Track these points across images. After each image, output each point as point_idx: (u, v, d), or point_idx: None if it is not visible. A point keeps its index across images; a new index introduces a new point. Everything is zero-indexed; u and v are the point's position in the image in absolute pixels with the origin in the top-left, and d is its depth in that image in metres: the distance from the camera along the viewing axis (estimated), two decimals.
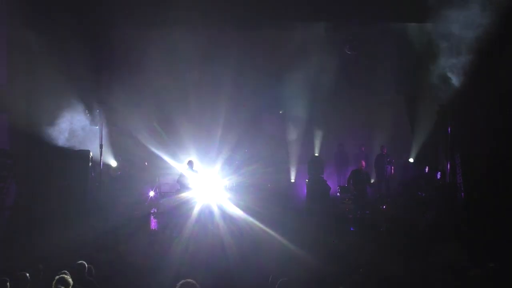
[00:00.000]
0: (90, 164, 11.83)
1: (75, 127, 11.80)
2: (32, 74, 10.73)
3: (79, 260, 6.68)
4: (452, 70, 11.22)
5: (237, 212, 11.70)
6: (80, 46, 12.17)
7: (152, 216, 12.23)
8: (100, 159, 12.12)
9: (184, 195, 11.93)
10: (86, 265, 6.53)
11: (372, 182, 13.60)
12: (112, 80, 13.66)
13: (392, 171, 14.03)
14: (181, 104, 14.22)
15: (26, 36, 10.65)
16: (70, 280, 5.63)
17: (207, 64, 13.98)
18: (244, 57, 14.04)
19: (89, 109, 12.32)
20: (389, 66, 13.65)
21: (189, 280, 5.05)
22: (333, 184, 14.19)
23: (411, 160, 13.57)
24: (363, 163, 12.60)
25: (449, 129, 11.56)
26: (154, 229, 10.67)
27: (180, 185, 12.15)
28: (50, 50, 10.81)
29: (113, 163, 13.56)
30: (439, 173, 12.56)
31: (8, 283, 5.65)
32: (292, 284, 5.97)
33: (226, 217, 11.57)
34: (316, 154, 14.75)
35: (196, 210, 11.29)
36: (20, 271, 5.97)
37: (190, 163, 12.53)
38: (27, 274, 5.86)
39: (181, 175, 12.30)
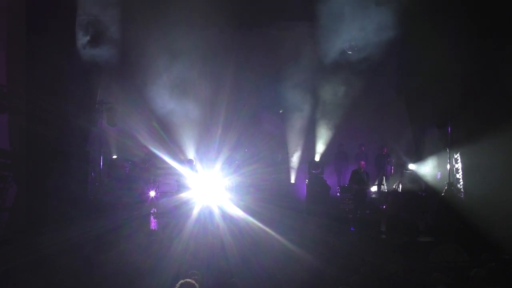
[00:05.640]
0: (90, 164, 11.83)
1: None
2: (32, 74, 10.71)
3: (79, 261, 6.66)
4: None
5: (237, 212, 11.70)
6: (80, 45, 12.23)
7: (152, 216, 12.24)
8: (100, 159, 12.12)
9: (184, 195, 11.93)
10: None
11: (371, 188, 13.58)
12: (112, 80, 13.68)
13: (392, 171, 14.05)
14: (181, 104, 14.23)
15: (26, 35, 10.65)
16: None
17: (207, 64, 14.01)
18: (244, 57, 14.07)
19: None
20: (389, 66, 13.65)
21: (188, 280, 5.05)
22: (333, 184, 14.19)
23: (411, 166, 13.52)
24: (362, 163, 12.59)
25: (449, 129, 11.55)
26: (154, 229, 10.65)
27: (180, 185, 12.13)
28: (50, 49, 10.81)
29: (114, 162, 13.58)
30: (439, 173, 12.56)
31: None
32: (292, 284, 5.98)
33: (226, 217, 11.58)
34: (316, 155, 14.75)
35: (196, 210, 11.27)
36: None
37: (189, 162, 12.49)
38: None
39: (181, 175, 12.28)
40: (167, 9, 12.42)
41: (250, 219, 10.67)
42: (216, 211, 12.00)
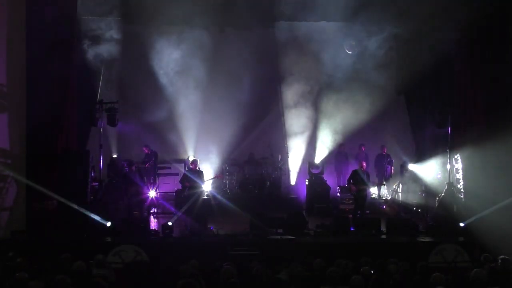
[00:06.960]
0: (90, 164, 11.78)
1: None
2: (32, 74, 10.71)
3: (79, 260, 6.66)
4: None
5: (237, 211, 11.70)
6: (81, 45, 12.24)
7: (152, 216, 12.25)
8: (100, 159, 12.11)
9: (185, 194, 11.91)
10: None
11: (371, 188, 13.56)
12: (112, 80, 13.69)
13: (392, 171, 14.05)
14: (181, 103, 14.25)
15: (26, 35, 10.66)
16: None
17: (207, 64, 14.02)
18: (244, 57, 14.08)
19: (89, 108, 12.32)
20: (389, 66, 13.64)
21: (189, 280, 5.06)
22: (333, 184, 14.19)
23: (411, 166, 13.50)
24: (363, 163, 12.58)
25: (449, 129, 11.55)
26: (154, 229, 10.65)
27: (183, 185, 12.11)
28: (50, 49, 10.83)
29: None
30: (439, 173, 12.56)
31: None
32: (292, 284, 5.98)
33: (226, 215, 11.60)
34: (316, 155, 14.74)
35: (196, 210, 11.25)
36: None
37: (194, 162, 12.49)
38: None
39: (184, 176, 12.25)
40: (167, 8, 12.43)
41: (250, 219, 10.64)
42: (216, 211, 12.02)
